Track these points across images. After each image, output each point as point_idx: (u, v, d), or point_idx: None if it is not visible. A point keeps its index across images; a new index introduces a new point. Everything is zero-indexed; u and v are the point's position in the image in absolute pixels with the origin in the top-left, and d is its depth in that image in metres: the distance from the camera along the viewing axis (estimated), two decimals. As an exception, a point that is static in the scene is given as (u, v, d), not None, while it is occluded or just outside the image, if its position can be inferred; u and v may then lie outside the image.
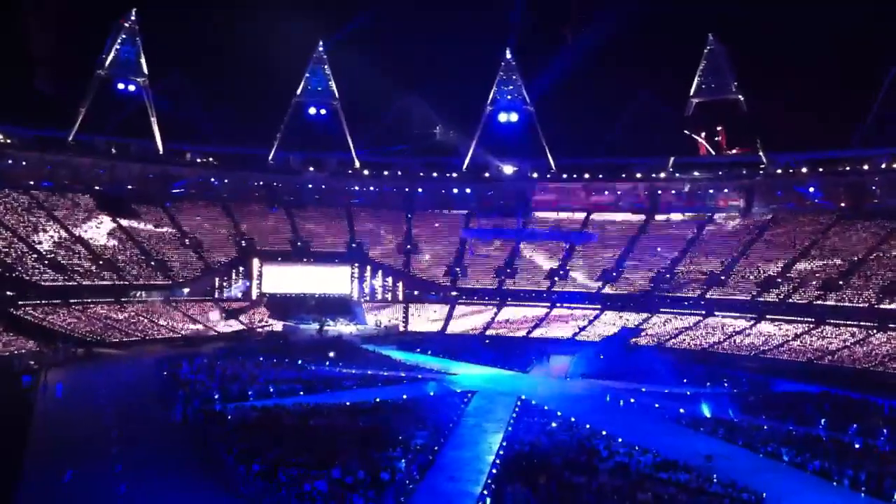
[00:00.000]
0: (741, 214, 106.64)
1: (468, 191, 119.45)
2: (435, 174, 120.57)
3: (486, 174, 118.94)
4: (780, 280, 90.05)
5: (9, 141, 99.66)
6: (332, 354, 69.38)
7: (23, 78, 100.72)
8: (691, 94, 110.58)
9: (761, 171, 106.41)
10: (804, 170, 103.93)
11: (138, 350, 74.28)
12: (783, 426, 44.48)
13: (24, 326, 72.62)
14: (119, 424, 42.57)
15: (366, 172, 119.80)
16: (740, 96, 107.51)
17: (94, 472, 33.44)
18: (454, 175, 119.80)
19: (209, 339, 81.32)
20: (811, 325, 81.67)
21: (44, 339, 69.62)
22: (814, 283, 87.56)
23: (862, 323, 79.20)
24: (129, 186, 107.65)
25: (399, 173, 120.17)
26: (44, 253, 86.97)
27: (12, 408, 44.42)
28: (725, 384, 61.51)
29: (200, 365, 60.16)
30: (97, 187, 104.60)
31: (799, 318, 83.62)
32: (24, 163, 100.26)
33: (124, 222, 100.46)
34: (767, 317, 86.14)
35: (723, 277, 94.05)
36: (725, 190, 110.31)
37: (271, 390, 51.39)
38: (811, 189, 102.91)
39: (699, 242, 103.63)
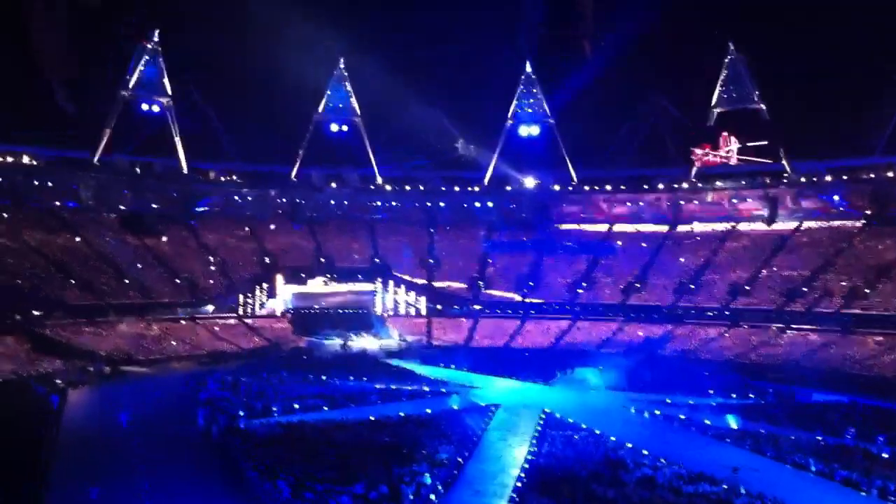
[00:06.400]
0: (765, 223, 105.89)
1: (490, 205, 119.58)
2: (456, 188, 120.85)
3: (508, 188, 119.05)
4: (805, 289, 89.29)
5: (35, 163, 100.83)
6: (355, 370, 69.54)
7: (48, 99, 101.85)
8: (712, 103, 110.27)
9: (785, 180, 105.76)
10: (828, 178, 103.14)
11: (164, 367, 74.85)
12: (810, 436, 44.03)
13: (50, 345, 73.23)
14: (145, 442, 42.78)
15: (388, 188, 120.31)
16: (762, 105, 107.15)
17: (120, 489, 33.57)
18: (476, 189, 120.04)
19: (234, 356, 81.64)
20: (838, 334, 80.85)
21: (70, 358, 70.24)
22: (840, 291, 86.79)
23: (889, 331, 78.16)
24: (154, 205, 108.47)
25: (421, 188, 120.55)
26: (70, 272, 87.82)
27: (38, 427, 44.70)
28: (751, 395, 60.98)
29: (225, 381, 60.48)
30: (122, 206, 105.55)
31: (825, 328, 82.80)
32: (50, 184, 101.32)
33: (149, 241, 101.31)
34: (793, 326, 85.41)
35: (747, 287, 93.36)
36: (749, 199, 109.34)
37: (296, 406, 51.50)
38: (836, 197, 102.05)
39: (723, 252, 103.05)
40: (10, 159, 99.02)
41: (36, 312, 79.07)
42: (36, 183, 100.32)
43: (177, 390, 60.06)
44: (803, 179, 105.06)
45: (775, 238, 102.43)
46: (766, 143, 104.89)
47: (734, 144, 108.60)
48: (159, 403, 56.04)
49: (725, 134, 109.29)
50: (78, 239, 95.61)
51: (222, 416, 46.95)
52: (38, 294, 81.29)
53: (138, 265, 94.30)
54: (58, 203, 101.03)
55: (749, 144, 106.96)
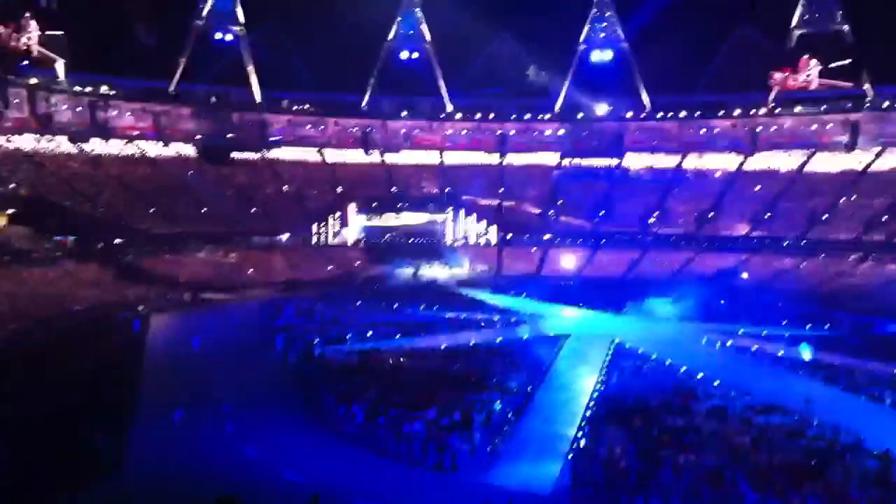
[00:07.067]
0: (846, 150, 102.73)
1: (561, 132, 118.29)
2: (527, 116, 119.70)
3: (580, 115, 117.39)
4: (887, 217, 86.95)
5: (113, 92, 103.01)
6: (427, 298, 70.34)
7: (125, 30, 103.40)
8: (792, 25, 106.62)
9: (867, 105, 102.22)
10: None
11: (242, 295, 76.64)
12: (887, 368, 43.29)
13: (132, 273, 75.64)
14: (225, 366, 44.19)
15: (458, 116, 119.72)
16: (845, 26, 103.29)
17: (201, 412, 34.70)
18: (546, 117, 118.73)
19: (309, 284, 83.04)
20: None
21: (152, 285, 72.51)
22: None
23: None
24: (229, 135, 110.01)
25: (491, 116, 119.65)
26: (149, 201, 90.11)
27: (122, 352, 46.47)
28: (827, 325, 60.08)
29: (301, 309, 61.80)
30: (198, 136, 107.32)
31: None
32: (128, 114, 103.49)
33: (225, 170, 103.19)
34: (873, 255, 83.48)
35: (826, 216, 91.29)
36: (829, 125, 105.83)
37: (369, 333, 52.45)
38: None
39: (801, 181, 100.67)
40: (88, 89, 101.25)
41: (118, 241, 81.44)
42: (115, 113, 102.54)
43: (255, 317, 61.63)
44: (886, 104, 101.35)
45: (855, 165, 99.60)
46: (848, 63, 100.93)
47: (815, 68, 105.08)
48: (238, 330, 57.70)
49: (806, 57, 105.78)
50: (156, 168, 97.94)
51: (298, 343, 48.14)
52: (119, 223, 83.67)
53: (215, 194, 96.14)
54: (136, 133, 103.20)
55: (831, 67, 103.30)
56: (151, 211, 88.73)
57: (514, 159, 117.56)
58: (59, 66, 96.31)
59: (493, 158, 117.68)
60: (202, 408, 35.43)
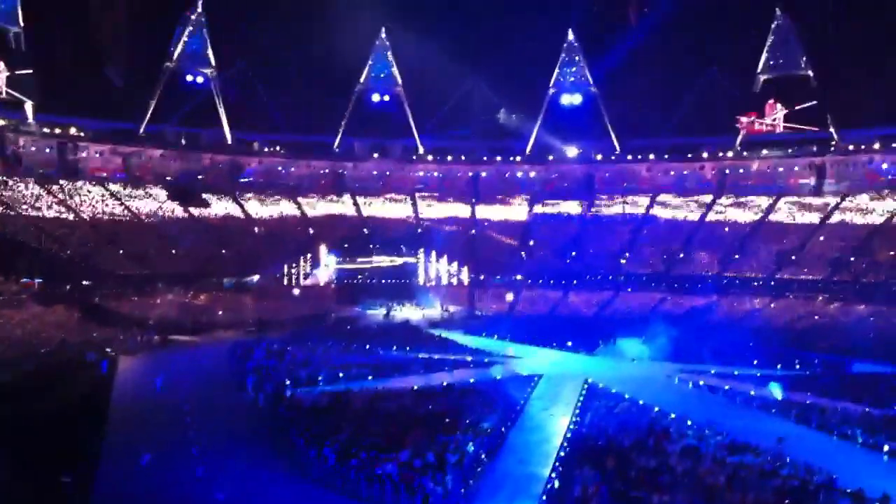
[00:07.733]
0: (812, 193, 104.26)
1: (532, 174, 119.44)
2: (499, 158, 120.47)
3: (550, 157, 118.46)
4: (853, 259, 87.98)
5: (82, 134, 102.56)
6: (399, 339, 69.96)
7: (93, 72, 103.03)
8: (758, 70, 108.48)
9: (832, 148, 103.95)
10: (876, 146, 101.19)
11: (212, 336, 75.78)
12: (858, 407, 43.51)
13: (100, 314, 74.62)
14: (194, 409, 43.58)
15: (430, 158, 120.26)
16: (809, 71, 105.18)
17: (170, 455, 34.28)
18: (518, 159, 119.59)
19: (280, 325, 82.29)
20: (887, 305, 79.58)
21: (120, 327, 71.52)
22: (888, 261, 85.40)
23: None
24: (200, 177, 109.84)
25: (463, 158, 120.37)
26: (118, 242, 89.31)
27: (89, 394, 45.69)
28: (797, 365, 60.38)
29: (271, 350, 61.21)
30: (168, 178, 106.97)
31: (873, 298, 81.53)
32: (97, 155, 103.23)
33: (196, 212, 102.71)
34: (840, 297, 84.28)
35: (793, 257, 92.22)
36: (796, 168, 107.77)
37: (341, 375, 52.03)
38: (884, 166, 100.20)
39: (768, 222, 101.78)
40: (57, 131, 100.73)
41: (85, 282, 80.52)
42: (83, 154, 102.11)
43: (225, 359, 60.90)
44: (851, 147, 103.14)
45: (822, 207, 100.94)
46: (813, 107, 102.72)
47: (780, 112, 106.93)
48: (208, 371, 56.97)
49: (772, 101, 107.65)
50: (125, 210, 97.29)
51: (269, 385, 47.64)
52: (88, 264, 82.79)
53: (185, 235, 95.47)
54: (105, 174, 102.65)
55: (796, 108, 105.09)
56: (121, 252, 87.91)
57: (487, 204, 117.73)
58: (28, 107, 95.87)
59: (466, 203, 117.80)
60: (171, 451, 34.97)
